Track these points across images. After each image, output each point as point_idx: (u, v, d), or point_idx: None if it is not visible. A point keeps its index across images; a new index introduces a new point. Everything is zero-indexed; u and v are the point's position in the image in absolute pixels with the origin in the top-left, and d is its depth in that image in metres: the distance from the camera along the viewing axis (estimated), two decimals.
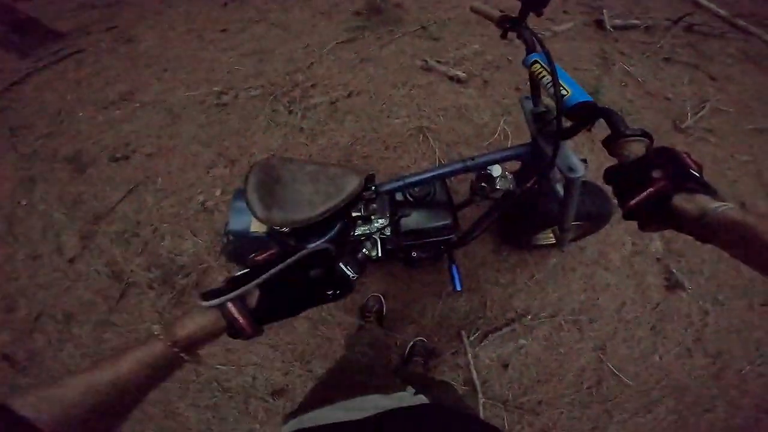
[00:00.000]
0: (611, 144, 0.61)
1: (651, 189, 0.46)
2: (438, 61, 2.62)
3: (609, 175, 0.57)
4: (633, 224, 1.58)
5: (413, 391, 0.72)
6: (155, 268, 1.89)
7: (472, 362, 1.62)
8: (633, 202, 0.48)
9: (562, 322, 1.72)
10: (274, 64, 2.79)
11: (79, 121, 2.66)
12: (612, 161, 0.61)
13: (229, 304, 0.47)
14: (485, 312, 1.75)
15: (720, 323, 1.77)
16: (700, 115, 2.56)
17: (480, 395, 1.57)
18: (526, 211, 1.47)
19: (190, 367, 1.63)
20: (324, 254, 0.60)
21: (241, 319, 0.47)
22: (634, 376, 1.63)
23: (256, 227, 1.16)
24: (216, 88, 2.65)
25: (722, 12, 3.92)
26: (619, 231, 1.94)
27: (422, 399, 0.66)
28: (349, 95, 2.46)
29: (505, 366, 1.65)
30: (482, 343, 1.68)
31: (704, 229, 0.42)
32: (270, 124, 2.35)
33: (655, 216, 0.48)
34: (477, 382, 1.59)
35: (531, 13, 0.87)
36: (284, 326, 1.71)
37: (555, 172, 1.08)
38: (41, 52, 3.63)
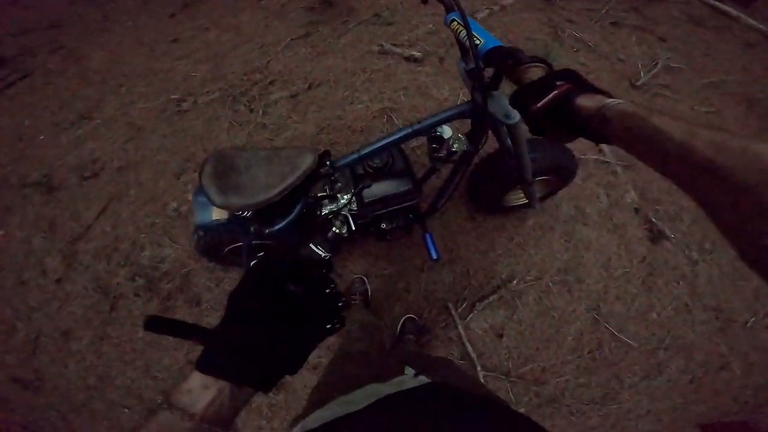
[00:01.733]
0: (514, 72, 0.67)
1: (555, 92, 0.48)
2: (394, 45, 2.68)
3: (515, 97, 0.59)
4: (604, 176, 1.86)
5: (413, 372, 0.69)
6: (139, 277, 1.92)
7: (464, 335, 1.62)
8: (539, 104, 0.49)
9: (550, 284, 1.70)
10: (230, 66, 2.80)
11: (42, 145, 2.63)
12: None
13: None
14: (469, 281, 1.75)
15: (712, 273, 1.77)
16: (653, 72, 2.69)
17: (478, 368, 1.55)
18: (489, 173, 1.51)
19: (188, 369, 1.68)
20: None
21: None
22: (635, 336, 1.60)
23: (218, 215, 1.19)
24: (174, 96, 2.65)
25: None
26: (591, 185, 1.98)
27: (423, 380, 0.63)
28: (309, 87, 2.49)
29: (500, 336, 1.64)
30: (471, 314, 1.67)
31: (603, 124, 0.43)
32: (233, 125, 2.37)
33: (558, 120, 0.50)
34: (473, 356, 1.57)
35: None
36: None
37: (504, 130, 1.12)
38: None
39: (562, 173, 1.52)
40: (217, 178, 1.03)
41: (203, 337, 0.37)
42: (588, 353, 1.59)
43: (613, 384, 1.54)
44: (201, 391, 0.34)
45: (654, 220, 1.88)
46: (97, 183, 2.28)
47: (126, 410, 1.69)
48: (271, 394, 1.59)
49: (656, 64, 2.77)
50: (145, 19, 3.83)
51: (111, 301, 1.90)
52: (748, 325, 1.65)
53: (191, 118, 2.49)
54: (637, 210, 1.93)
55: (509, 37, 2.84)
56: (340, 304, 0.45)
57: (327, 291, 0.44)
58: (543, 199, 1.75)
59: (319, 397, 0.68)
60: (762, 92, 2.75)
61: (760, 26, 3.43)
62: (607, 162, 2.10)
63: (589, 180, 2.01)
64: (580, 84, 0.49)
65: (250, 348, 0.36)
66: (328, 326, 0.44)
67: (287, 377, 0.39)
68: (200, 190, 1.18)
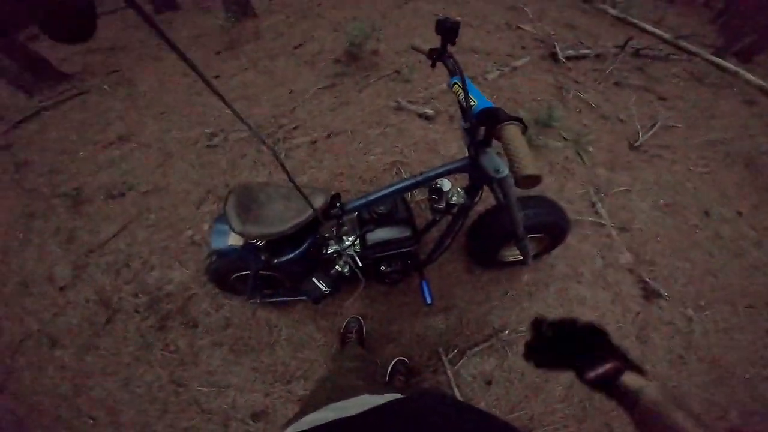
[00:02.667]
0: (494, 129, 0.79)
1: (609, 366, 0.54)
2: (409, 101, 2.89)
3: (529, 352, 0.64)
4: (599, 238, 2.10)
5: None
6: (142, 294, 1.99)
7: (452, 379, 1.64)
8: (592, 375, 0.54)
9: None
10: (260, 108, 3.03)
11: (80, 159, 2.85)
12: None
13: None
14: (462, 329, 1.79)
15: (707, 328, 1.81)
16: (651, 133, 2.79)
17: None
18: (485, 228, 1.59)
19: (170, 388, 1.70)
20: None
21: None
22: None
23: (234, 241, 1.30)
24: (207, 131, 2.86)
25: (665, 35, 4.34)
26: (587, 246, 2.05)
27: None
28: (328, 136, 2.67)
29: (488, 383, 1.66)
30: (461, 361, 1.70)
31: (633, 402, 0.49)
32: (256, 164, 2.53)
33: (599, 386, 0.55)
34: (460, 400, 1.60)
35: (449, 44, 1.05)
36: (264, 349, 1.77)
37: (496, 185, 1.20)
38: (48, 92, 3.88)
39: (555, 232, 1.57)
40: (239, 208, 1.15)
41: None
42: (578, 402, 1.60)
43: (602, 431, 1.55)
44: None
45: (648, 280, 1.92)
46: (122, 203, 2.44)
47: (91, 421, 1.68)
48: (250, 421, 1.60)
49: (654, 124, 2.88)
50: (194, 52, 4.23)
51: (109, 314, 1.95)
52: (747, 377, 1.66)
53: (219, 153, 2.68)
54: (631, 270, 1.98)
55: (516, 98, 3.02)
56: None
57: None
58: (537, 257, 1.80)
59: (312, 403, 0.70)
60: (757, 151, 2.81)
61: (760, 82, 3.53)
62: (602, 224, 2.17)
63: (584, 241, 2.07)
64: (626, 361, 0.55)
65: None
66: None
67: None
68: (221, 217, 1.31)
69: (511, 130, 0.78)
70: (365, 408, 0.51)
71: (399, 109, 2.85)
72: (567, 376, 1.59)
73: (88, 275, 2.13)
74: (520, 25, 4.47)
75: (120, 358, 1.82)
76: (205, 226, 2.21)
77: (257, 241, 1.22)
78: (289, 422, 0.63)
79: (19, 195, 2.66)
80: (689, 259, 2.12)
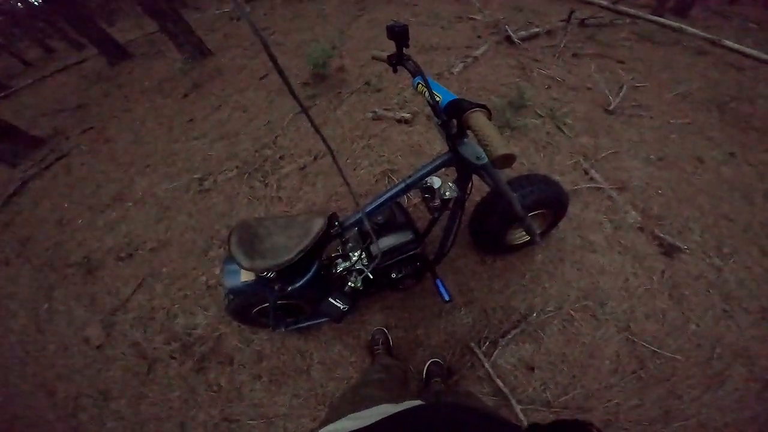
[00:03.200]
0: (461, 118, 0.86)
1: None
2: (385, 109, 2.98)
3: None
4: (601, 202, 2.09)
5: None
6: (174, 341, 2.05)
7: (491, 371, 1.61)
8: None
9: (572, 312, 1.68)
10: (242, 144, 3.09)
11: (80, 227, 2.89)
12: None
13: None
14: (488, 320, 1.77)
15: (740, 276, 1.73)
16: (621, 95, 2.90)
17: (514, 402, 1.53)
18: (485, 216, 1.61)
19: (224, 426, 1.76)
20: None
21: None
22: (680, 350, 1.54)
23: (246, 277, 1.36)
24: (196, 176, 2.91)
25: (604, 2, 4.56)
26: (591, 213, 2.03)
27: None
28: (315, 159, 2.75)
29: (531, 369, 1.61)
30: (495, 351, 1.66)
31: None
32: (251, 200, 2.61)
33: None
34: (506, 390, 1.56)
35: (404, 48, 1.03)
36: (301, 375, 1.82)
37: (483, 172, 1.20)
38: (28, 161, 3.90)
39: (554, 205, 1.56)
40: (243, 245, 1.20)
41: None
42: (632, 373, 1.53)
43: (671, 401, 1.46)
44: None
45: (662, 235, 1.88)
46: (132, 263, 2.50)
47: None
48: None
49: (622, 87, 3.01)
50: (161, 99, 4.29)
51: (148, 364, 2.01)
52: None
53: (213, 196, 2.73)
54: (641, 229, 1.95)
55: (485, 86, 3.14)
56: None
57: None
58: (544, 233, 1.79)
59: (333, 414, 0.72)
60: (727, 95, 2.94)
61: (703, 34, 3.75)
62: (600, 188, 2.20)
63: (587, 209, 2.07)
64: None
65: None
66: None
67: None
68: (229, 257, 1.35)
69: (477, 117, 0.82)
70: (379, 418, 0.52)
71: (377, 118, 2.94)
72: (612, 348, 1.60)
73: (119, 332, 2.19)
74: (470, 16, 4.63)
75: (170, 403, 1.87)
76: (217, 270, 2.27)
77: (268, 274, 1.26)
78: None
79: (32, 271, 2.71)
80: (697, 207, 2.10)
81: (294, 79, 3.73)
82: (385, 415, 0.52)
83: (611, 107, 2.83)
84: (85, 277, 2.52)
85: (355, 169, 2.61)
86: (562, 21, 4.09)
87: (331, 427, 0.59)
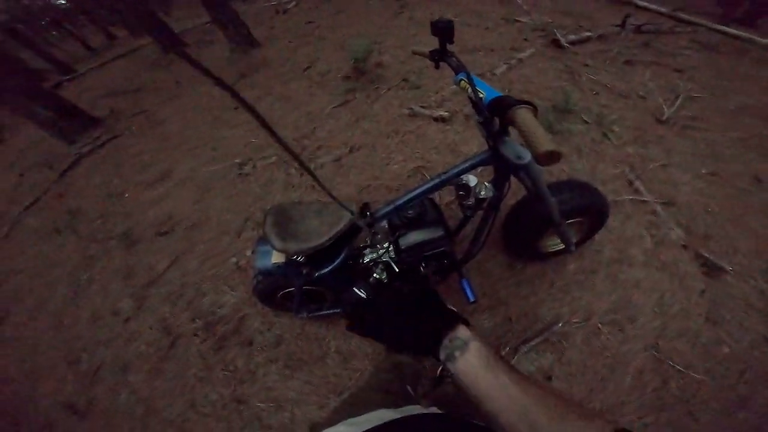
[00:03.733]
0: (505, 114, 0.83)
1: None
2: (422, 107, 2.95)
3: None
4: (644, 216, 1.98)
5: (428, 404, 0.70)
6: (199, 319, 2.12)
7: None
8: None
9: (599, 325, 1.63)
10: (282, 133, 3.17)
11: (127, 202, 3.08)
12: None
13: None
14: (511, 325, 1.72)
15: None
16: (676, 105, 2.72)
17: None
18: (520, 219, 1.55)
19: (233, 406, 1.79)
20: None
21: None
22: (707, 372, 1.48)
23: (276, 258, 1.38)
24: (237, 161, 3.03)
25: (663, 9, 4.26)
26: (632, 226, 1.94)
27: (434, 410, 0.64)
28: (350, 151, 2.78)
29: (549, 378, 1.57)
30: (515, 357, 1.63)
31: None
32: (287, 187, 2.68)
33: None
34: None
35: (448, 44, 1.03)
36: (317, 362, 1.82)
37: (523, 173, 1.16)
38: (84, 138, 4.24)
39: (594, 214, 1.49)
40: (277, 227, 1.23)
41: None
42: (652, 391, 1.48)
43: (686, 421, 1.41)
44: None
45: (706, 255, 1.79)
46: (169, 239, 2.62)
47: None
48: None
49: (678, 96, 2.81)
50: (210, 87, 4.47)
51: (172, 339, 2.09)
52: None
53: (251, 181, 2.83)
54: (685, 246, 1.85)
55: (528, 89, 3.03)
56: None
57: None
58: (580, 243, 1.71)
59: (334, 417, 0.72)
60: None
61: None
62: (645, 201, 2.07)
63: (628, 221, 1.98)
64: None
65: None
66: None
67: None
68: (262, 239, 1.38)
69: (522, 113, 0.80)
70: (378, 423, 0.52)
71: (413, 115, 2.93)
72: (636, 364, 1.55)
73: (148, 306, 2.30)
74: (517, 18, 4.50)
75: (185, 380, 1.94)
76: (248, 252, 2.34)
77: (298, 257, 1.29)
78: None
79: (77, 241, 2.91)
80: (748, 228, 1.97)
81: (335, 72, 3.79)
82: (382, 422, 0.51)
83: (664, 117, 2.65)
84: (126, 249, 2.66)
85: (388, 164, 2.60)
86: (616, 26, 3.88)
87: (327, 431, 0.59)
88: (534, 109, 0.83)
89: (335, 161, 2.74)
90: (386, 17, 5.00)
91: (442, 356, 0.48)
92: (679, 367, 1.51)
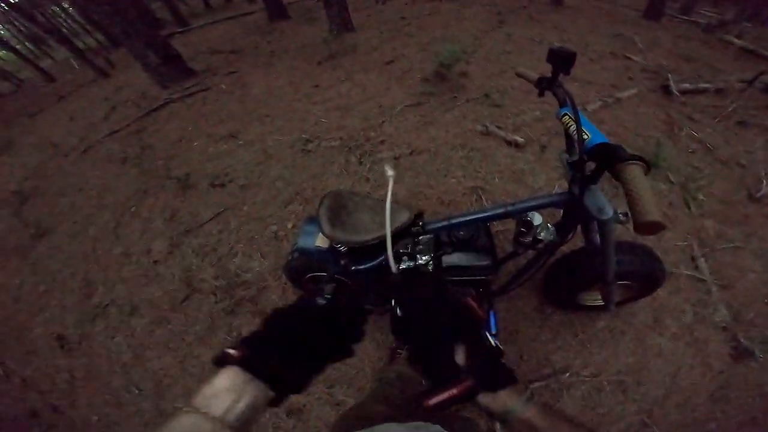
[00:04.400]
0: (613, 168, 0.75)
1: (454, 390, 0.44)
2: (498, 127, 2.79)
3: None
4: (695, 293, 1.87)
5: (432, 422, 0.69)
6: (222, 278, 2.16)
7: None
8: (432, 401, 0.44)
9: (605, 383, 1.63)
10: (352, 119, 3.20)
11: (193, 149, 3.27)
12: None
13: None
14: (519, 364, 1.72)
15: None
16: None
17: None
18: (569, 268, 1.49)
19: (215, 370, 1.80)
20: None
21: None
22: None
23: (320, 242, 1.40)
24: (304, 136, 3.10)
25: None
26: (678, 299, 1.85)
27: (439, 429, 0.64)
28: (411, 153, 2.71)
29: None
30: None
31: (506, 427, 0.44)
32: (342, 172, 2.66)
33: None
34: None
35: (562, 74, 0.99)
36: None
37: (594, 226, 1.13)
38: (177, 86, 4.63)
39: (647, 282, 1.45)
40: (331, 212, 1.23)
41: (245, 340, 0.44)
42: None
43: None
44: (223, 393, 0.38)
45: (742, 340, 1.72)
46: (221, 192, 2.73)
47: (137, 391, 1.81)
48: (283, 415, 1.63)
49: None
50: (300, 61, 4.68)
51: (188, 293, 2.14)
52: None
53: (311, 158, 2.87)
54: (725, 329, 1.77)
55: (619, 132, 2.77)
56: (350, 333, 0.52)
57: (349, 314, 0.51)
58: (620, 304, 1.68)
59: (340, 427, 0.71)
60: None
61: None
62: (702, 280, 1.92)
63: (676, 294, 1.86)
64: (484, 379, 0.46)
65: (284, 357, 0.43)
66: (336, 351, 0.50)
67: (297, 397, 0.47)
68: (312, 219, 1.41)
69: (634, 171, 0.72)
70: None
71: (486, 133, 2.78)
72: (619, 426, 1.53)
73: (180, 253, 2.39)
74: (627, 55, 4.12)
75: (186, 336, 1.97)
76: (289, 224, 2.36)
77: (341, 246, 1.28)
78: None
79: (140, 173, 3.15)
80: None
81: (416, 72, 3.73)
82: None
83: (760, 194, 2.30)
84: (178, 192, 2.82)
85: (445, 176, 2.49)
86: (742, 82, 3.38)
87: None
88: (647, 168, 0.74)
89: (394, 159, 2.69)
90: (482, 29, 4.84)
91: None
92: None
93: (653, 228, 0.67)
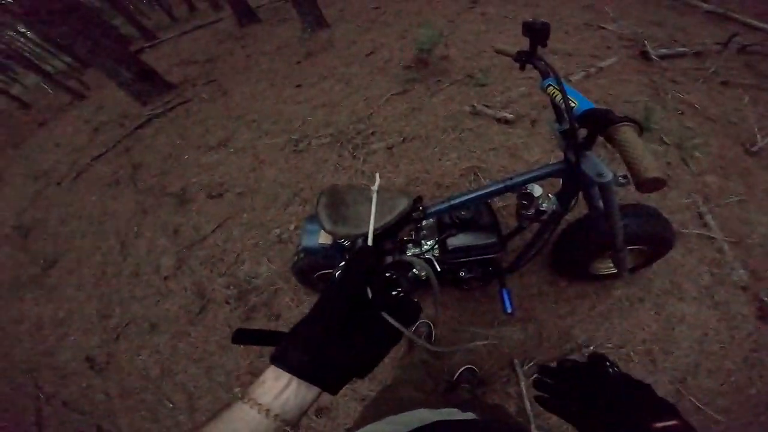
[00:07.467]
0: (604, 132, 0.76)
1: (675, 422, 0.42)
2: (486, 106, 2.80)
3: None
4: (708, 252, 1.86)
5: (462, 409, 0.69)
6: (233, 287, 2.18)
7: (525, 391, 1.55)
8: (660, 426, 0.42)
9: (631, 353, 1.60)
10: (340, 115, 3.19)
11: (185, 163, 3.25)
12: None
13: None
14: (541, 342, 1.69)
15: None
16: None
17: (533, 427, 1.49)
18: (577, 238, 1.48)
19: (246, 378, 1.79)
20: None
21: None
22: (725, 411, 1.45)
23: (323, 239, 1.39)
24: (293, 137, 3.09)
25: None
26: (692, 260, 1.83)
27: (471, 415, 0.63)
28: (403, 141, 2.71)
29: None
30: (536, 374, 1.61)
31: None
32: (337, 168, 2.67)
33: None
34: (530, 414, 1.51)
35: (540, 46, 1.00)
36: None
37: (595, 191, 1.10)
38: (157, 101, 4.56)
39: (657, 244, 1.43)
40: (330, 209, 1.22)
41: (283, 335, 0.40)
42: None
43: None
44: (272, 382, 0.37)
45: (766, 299, 1.69)
46: (220, 203, 2.72)
47: (170, 405, 1.84)
48: (314, 417, 1.65)
49: None
50: (278, 63, 4.62)
51: (203, 304, 2.15)
52: None
53: (304, 158, 2.87)
54: (744, 288, 1.74)
55: (606, 100, 2.78)
56: (410, 308, 0.45)
57: (395, 294, 0.45)
58: (634, 270, 1.65)
59: (370, 414, 0.72)
60: None
61: None
62: (712, 237, 1.92)
63: (689, 255, 1.86)
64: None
65: (324, 348, 0.38)
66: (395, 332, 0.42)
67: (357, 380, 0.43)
68: (312, 218, 1.40)
69: (627, 132, 0.73)
70: (418, 424, 0.50)
71: (475, 113, 2.79)
72: (662, 389, 1.50)
73: (189, 267, 2.39)
74: (602, 25, 4.15)
75: (207, 346, 1.99)
76: (292, 226, 2.37)
77: (344, 241, 1.28)
78: (349, 430, 0.65)
79: (135, 193, 3.12)
80: None
81: (397, 61, 3.72)
82: (423, 423, 0.51)
83: (755, 148, 2.32)
84: (177, 207, 2.80)
85: (440, 159, 2.51)
86: (717, 44, 3.44)
87: (368, 428, 0.59)
88: (639, 128, 0.75)
89: (388, 149, 2.69)
90: (456, 10, 4.81)
91: None
92: (698, 404, 1.48)
93: (655, 184, 0.67)
